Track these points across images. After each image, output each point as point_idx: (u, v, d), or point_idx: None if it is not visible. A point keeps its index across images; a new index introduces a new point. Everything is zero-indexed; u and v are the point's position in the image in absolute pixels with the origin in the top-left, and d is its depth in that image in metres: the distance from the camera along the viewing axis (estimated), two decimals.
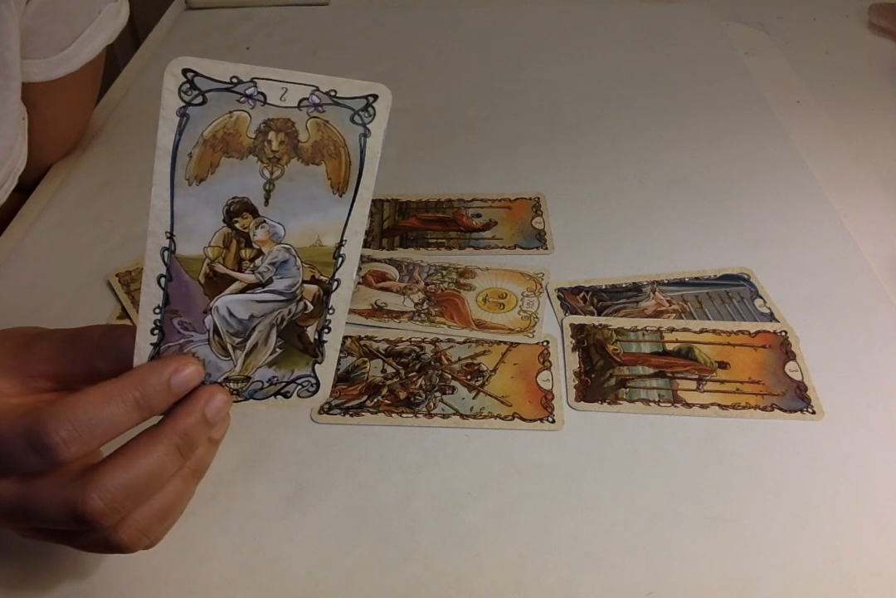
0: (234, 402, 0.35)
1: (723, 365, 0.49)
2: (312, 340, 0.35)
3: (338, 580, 0.39)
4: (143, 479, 0.32)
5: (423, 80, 0.79)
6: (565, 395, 0.47)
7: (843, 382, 0.48)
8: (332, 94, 0.32)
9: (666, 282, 0.55)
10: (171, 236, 0.31)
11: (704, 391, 0.47)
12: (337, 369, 0.49)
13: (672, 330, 0.51)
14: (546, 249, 0.58)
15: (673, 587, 0.39)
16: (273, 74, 0.31)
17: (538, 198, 0.63)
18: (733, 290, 0.54)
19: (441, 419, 0.46)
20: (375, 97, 0.32)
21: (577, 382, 0.48)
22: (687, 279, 0.55)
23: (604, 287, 0.55)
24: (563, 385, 0.48)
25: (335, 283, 0.34)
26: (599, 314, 0.53)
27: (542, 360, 0.49)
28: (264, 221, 0.32)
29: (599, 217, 0.61)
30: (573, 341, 0.50)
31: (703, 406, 0.46)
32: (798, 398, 0.47)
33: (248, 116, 0.31)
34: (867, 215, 0.61)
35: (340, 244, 0.33)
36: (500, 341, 0.51)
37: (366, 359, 0.50)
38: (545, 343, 0.50)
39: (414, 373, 0.49)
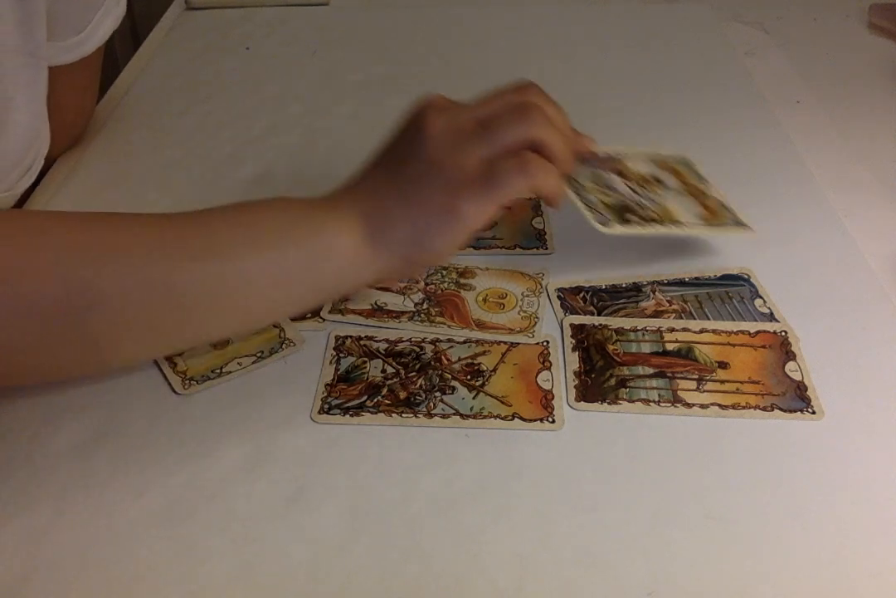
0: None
1: (723, 365, 0.49)
2: None
3: (338, 580, 0.39)
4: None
5: (423, 80, 0.79)
6: (565, 395, 0.47)
7: (843, 382, 0.48)
8: None
9: (666, 282, 0.55)
10: None
11: (704, 391, 0.47)
12: (336, 369, 0.49)
13: (672, 330, 0.51)
14: (546, 249, 0.58)
15: (673, 587, 0.39)
16: None
17: (538, 198, 0.63)
18: (733, 290, 0.54)
19: (441, 419, 0.46)
20: None
21: (577, 382, 0.48)
22: (687, 279, 0.55)
23: (604, 287, 0.55)
24: (563, 385, 0.48)
25: None
26: (599, 314, 0.53)
27: (542, 360, 0.49)
28: None
29: None
30: (573, 341, 0.50)
31: (703, 406, 0.46)
32: (798, 398, 0.47)
33: None
34: (867, 215, 0.61)
35: None
36: (500, 341, 0.51)
37: (366, 359, 0.50)
38: (545, 343, 0.50)
39: (414, 373, 0.49)
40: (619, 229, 0.46)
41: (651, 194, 0.44)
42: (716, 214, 0.48)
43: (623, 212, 0.47)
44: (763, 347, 0.50)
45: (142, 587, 0.39)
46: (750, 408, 0.46)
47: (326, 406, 0.47)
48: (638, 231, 0.45)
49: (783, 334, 0.51)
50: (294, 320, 0.52)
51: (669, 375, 0.48)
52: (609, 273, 0.56)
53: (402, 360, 0.50)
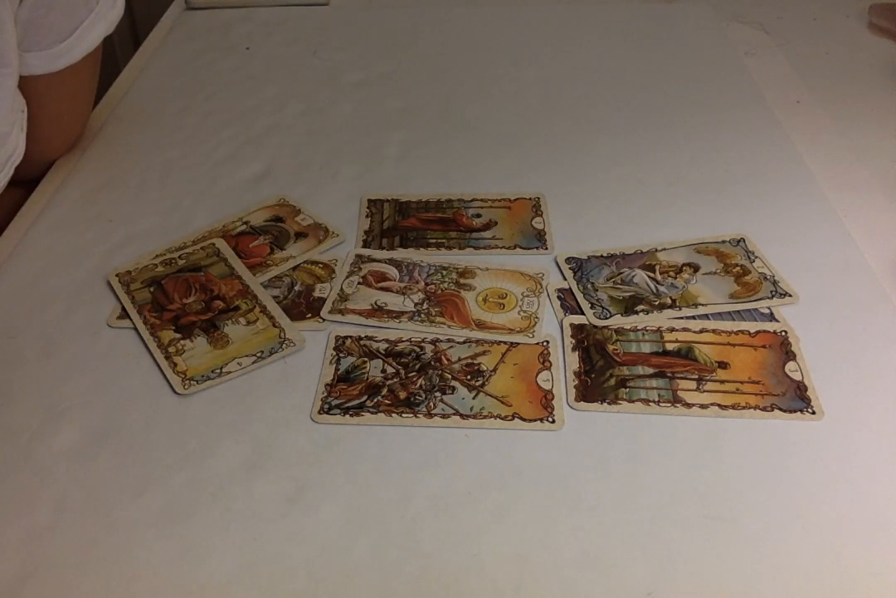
0: None
1: (723, 365, 0.49)
2: None
3: (338, 580, 0.39)
4: None
5: (423, 80, 0.79)
6: (565, 395, 0.47)
7: (843, 382, 0.48)
8: None
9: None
10: None
11: (704, 391, 0.47)
12: (336, 369, 0.49)
13: (672, 330, 0.51)
14: (546, 249, 0.58)
15: (673, 587, 0.39)
16: None
17: (538, 198, 0.63)
18: None
19: (441, 419, 0.46)
20: None
21: (577, 382, 0.48)
22: None
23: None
24: (563, 385, 0.48)
25: None
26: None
27: (542, 360, 0.49)
28: None
29: (599, 217, 0.61)
30: (573, 341, 0.51)
31: (702, 406, 0.46)
32: (798, 398, 0.47)
33: None
34: (867, 215, 0.61)
35: None
36: (500, 341, 0.51)
37: (366, 359, 0.50)
38: (545, 343, 0.50)
39: (414, 373, 0.49)
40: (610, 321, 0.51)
41: (676, 281, 0.50)
42: (754, 289, 0.52)
43: (635, 303, 0.52)
44: (763, 347, 0.50)
45: (142, 587, 0.39)
46: (750, 408, 0.46)
47: (326, 406, 0.47)
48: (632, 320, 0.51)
49: (783, 333, 0.51)
50: (294, 320, 0.52)
51: (669, 375, 0.48)
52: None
53: (402, 360, 0.50)
